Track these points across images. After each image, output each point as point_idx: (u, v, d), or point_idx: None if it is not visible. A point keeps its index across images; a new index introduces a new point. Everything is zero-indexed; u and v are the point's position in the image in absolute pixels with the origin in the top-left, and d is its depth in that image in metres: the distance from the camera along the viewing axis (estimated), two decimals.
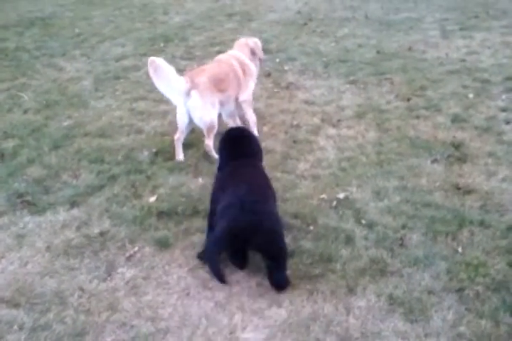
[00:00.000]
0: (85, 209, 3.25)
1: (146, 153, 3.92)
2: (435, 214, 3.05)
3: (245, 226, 2.37)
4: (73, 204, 3.31)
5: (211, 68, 3.85)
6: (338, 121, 4.43)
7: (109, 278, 2.67)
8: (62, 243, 2.95)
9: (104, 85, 5.40)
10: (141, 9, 9.16)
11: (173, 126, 4.34)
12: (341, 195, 3.28)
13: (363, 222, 3.03)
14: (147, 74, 5.71)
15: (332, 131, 4.27)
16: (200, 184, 3.50)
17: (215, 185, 2.82)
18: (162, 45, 6.76)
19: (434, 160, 3.65)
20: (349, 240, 2.88)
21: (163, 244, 2.91)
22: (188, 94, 3.60)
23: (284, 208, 3.17)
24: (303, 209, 3.17)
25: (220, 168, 2.90)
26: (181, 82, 3.59)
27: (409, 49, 6.33)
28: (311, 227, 3.00)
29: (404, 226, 2.98)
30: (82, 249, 2.90)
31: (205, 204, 3.19)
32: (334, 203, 3.22)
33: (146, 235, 2.99)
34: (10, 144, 4.09)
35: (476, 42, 6.50)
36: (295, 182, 3.49)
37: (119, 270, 2.76)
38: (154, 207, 3.21)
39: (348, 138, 4.12)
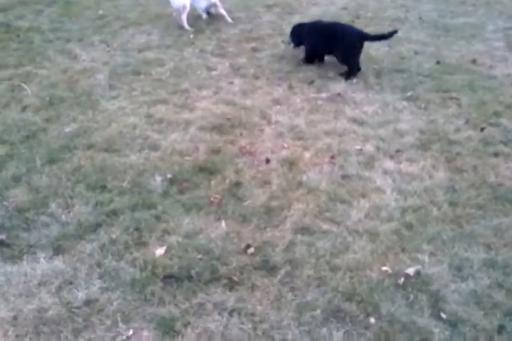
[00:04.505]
0: (72, 259, 2.41)
1: (159, 178, 3.06)
2: None
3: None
4: (58, 249, 2.47)
5: None
6: (397, 151, 3.51)
7: None
8: (34, 312, 2.12)
9: (121, 81, 4.52)
10: None
11: (195, 142, 3.49)
12: (411, 270, 2.38)
13: (443, 315, 2.15)
14: (172, 70, 4.93)
15: (390, 164, 3.36)
16: (223, 231, 2.63)
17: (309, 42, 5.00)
18: (191, 36, 5.83)
19: None
20: None
21: (167, 328, 2.07)
22: None
23: (334, 283, 2.31)
24: (359, 286, 2.29)
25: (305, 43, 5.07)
26: None
27: (474, 62, 5.32)
28: (372, 319, 2.13)
29: (501, 329, 2.10)
30: (59, 325, 2.07)
31: (228, 266, 2.36)
32: (401, 280, 2.34)
33: (145, 310, 2.15)
34: None
35: None
36: (347, 240, 2.60)
37: None
38: (161, 266, 2.36)
39: (410, 176, 3.21)
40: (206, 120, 3.85)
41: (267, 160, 3.34)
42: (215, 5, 6.33)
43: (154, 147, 3.45)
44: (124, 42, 5.53)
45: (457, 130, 3.83)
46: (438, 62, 5.25)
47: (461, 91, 4.53)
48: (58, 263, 2.39)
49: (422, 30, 6.50)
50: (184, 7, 5.86)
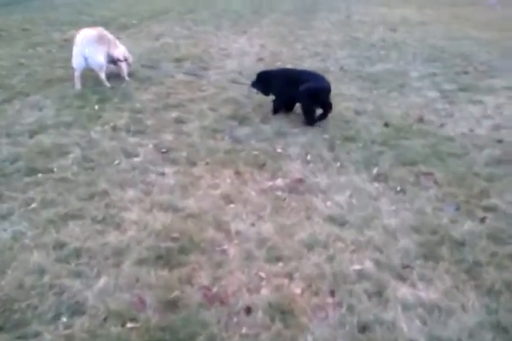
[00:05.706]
0: None
1: None
2: None
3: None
4: None
5: None
6: (405, 267, 2.69)
7: None
8: None
9: (11, 187, 3.24)
10: (62, 47, 6.90)
11: (138, 291, 2.38)
12: None
13: None
14: (79, 162, 3.73)
15: (404, 290, 2.52)
16: None
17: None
18: (97, 107, 4.67)
19: None
20: None
21: None
22: None
23: None
24: None
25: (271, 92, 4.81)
26: None
27: (421, 120, 4.82)
28: None
29: None
30: None
31: None
32: None
33: None
34: None
35: (490, 109, 5.16)
36: None
37: None
38: None
39: (439, 310, 2.38)
40: (144, 245, 2.74)
41: (248, 310, 2.33)
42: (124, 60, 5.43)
43: (76, 308, 2.27)
44: (9, 124, 4.21)
45: (454, 221, 3.12)
46: (386, 125, 4.66)
47: (428, 163, 3.91)
48: None
49: (350, 82, 6.00)
50: (102, 66, 5.08)
